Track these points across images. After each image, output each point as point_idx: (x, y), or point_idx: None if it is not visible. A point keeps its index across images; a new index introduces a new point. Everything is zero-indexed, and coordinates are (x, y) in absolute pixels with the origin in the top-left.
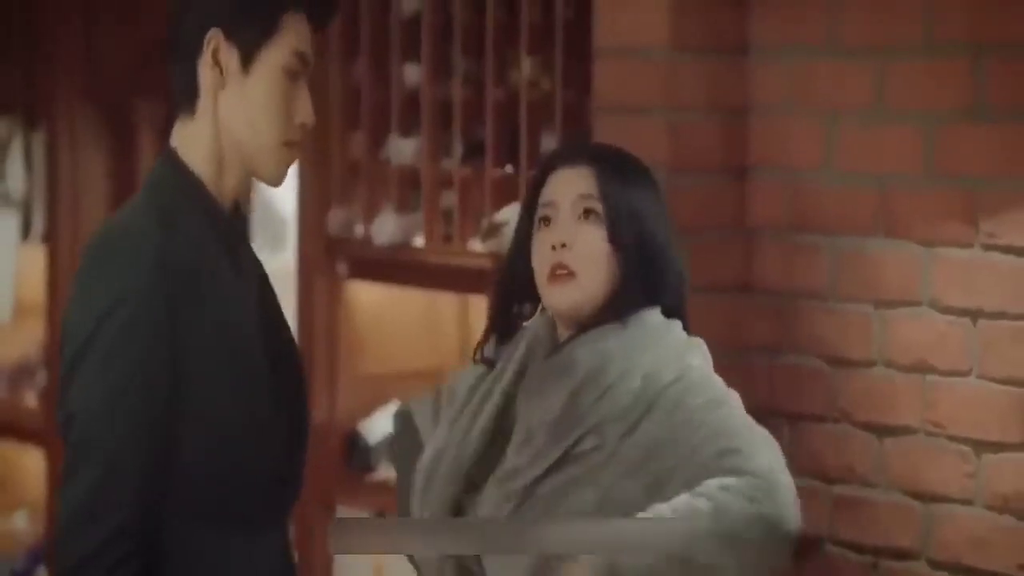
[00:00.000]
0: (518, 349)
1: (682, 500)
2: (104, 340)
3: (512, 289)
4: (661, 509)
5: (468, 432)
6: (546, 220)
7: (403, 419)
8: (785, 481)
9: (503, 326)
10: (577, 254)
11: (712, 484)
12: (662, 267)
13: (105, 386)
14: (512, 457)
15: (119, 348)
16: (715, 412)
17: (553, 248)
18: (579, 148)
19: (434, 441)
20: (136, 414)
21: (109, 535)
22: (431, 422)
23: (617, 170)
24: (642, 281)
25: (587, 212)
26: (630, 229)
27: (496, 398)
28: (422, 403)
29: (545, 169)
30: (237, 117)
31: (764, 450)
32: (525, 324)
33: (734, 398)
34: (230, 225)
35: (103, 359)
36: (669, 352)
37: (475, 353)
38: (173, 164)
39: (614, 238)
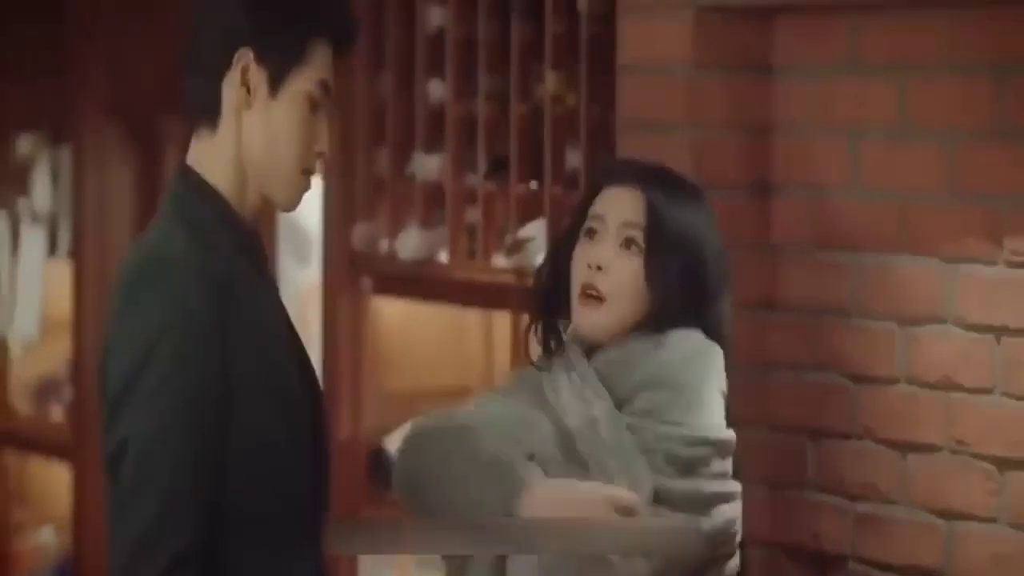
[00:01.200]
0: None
1: None
2: (154, 369)
3: (552, 302)
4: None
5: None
6: (591, 233)
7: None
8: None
9: (545, 336)
10: (611, 281)
11: None
12: (701, 298)
13: (161, 411)
14: None
15: (170, 376)
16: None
17: (590, 267)
18: (633, 168)
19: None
20: (193, 437)
21: (172, 562)
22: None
23: (668, 198)
24: (677, 308)
25: (629, 241)
26: (671, 266)
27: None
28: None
29: (598, 183)
30: (258, 140)
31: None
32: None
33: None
34: (252, 239)
35: (157, 384)
36: (668, 362)
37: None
38: (192, 180)
39: (650, 277)
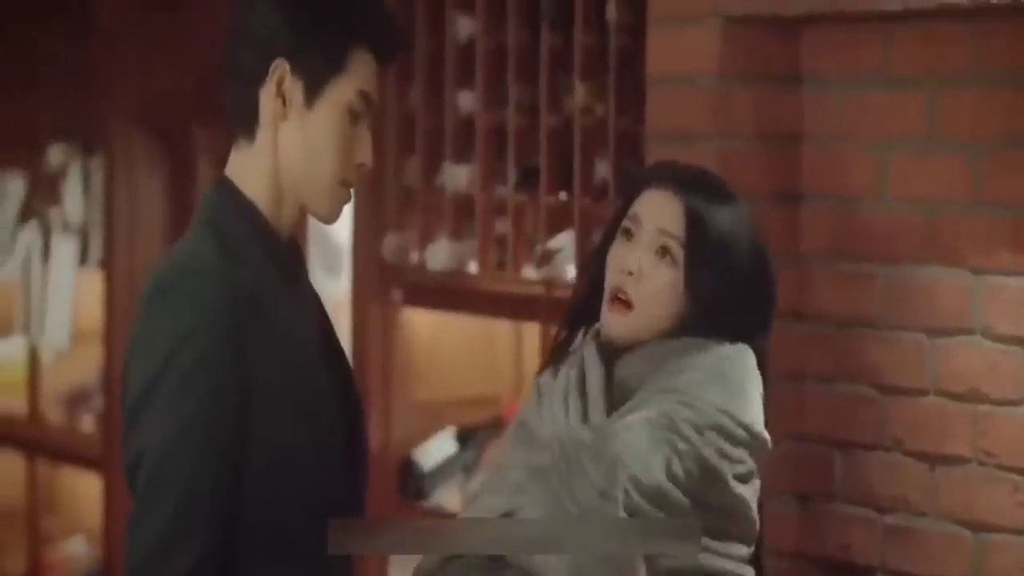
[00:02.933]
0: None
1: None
2: (174, 376)
3: (588, 305)
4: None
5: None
6: (628, 233)
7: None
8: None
9: (560, 348)
10: (642, 289)
11: None
12: (733, 311)
13: (177, 421)
14: None
15: (190, 383)
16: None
17: (622, 271)
18: (673, 172)
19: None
20: (208, 448)
21: (188, 567)
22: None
23: (707, 204)
24: (711, 319)
25: (664, 250)
26: (709, 277)
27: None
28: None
29: (639, 185)
30: (295, 151)
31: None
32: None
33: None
34: (288, 252)
35: (174, 394)
36: (707, 357)
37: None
38: (229, 192)
39: (689, 288)
